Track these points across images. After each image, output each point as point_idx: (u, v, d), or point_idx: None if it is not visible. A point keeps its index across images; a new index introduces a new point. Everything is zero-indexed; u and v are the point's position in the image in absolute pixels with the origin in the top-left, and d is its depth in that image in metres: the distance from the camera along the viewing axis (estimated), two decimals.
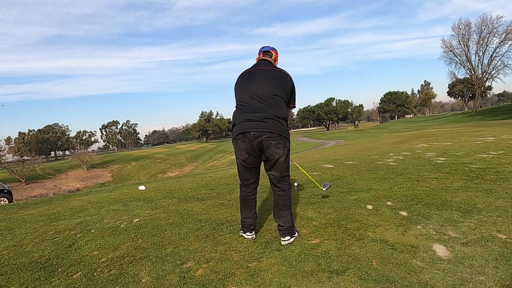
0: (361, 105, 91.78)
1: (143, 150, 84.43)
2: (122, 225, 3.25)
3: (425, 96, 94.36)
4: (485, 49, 42.09)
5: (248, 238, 2.53)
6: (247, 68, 2.50)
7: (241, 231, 2.60)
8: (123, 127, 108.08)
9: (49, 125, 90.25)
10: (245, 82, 2.40)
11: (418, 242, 2.19)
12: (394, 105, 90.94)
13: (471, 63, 44.46)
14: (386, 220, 2.64)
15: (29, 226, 3.70)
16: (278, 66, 2.59)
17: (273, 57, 2.56)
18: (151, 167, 50.88)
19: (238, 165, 2.49)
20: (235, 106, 2.43)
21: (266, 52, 2.56)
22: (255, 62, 2.58)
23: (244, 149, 2.32)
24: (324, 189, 3.33)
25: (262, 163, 2.45)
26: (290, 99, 2.44)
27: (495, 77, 43.19)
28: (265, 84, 2.32)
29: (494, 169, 4.14)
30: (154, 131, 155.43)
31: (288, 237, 2.39)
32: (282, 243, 2.38)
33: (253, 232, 2.53)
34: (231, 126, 2.44)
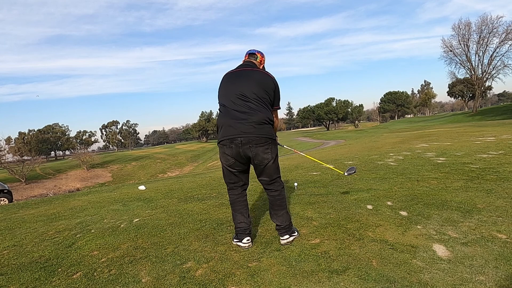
0: (361, 105, 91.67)
1: (143, 150, 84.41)
2: (122, 225, 3.25)
3: (425, 96, 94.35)
4: (485, 49, 42.11)
5: (244, 246, 2.35)
6: (231, 69, 2.47)
7: (235, 240, 2.42)
8: (123, 127, 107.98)
9: (49, 125, 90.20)
10: (229, 83, 2.36)
11: (418, 242, 2.19)
12: (394, 105, 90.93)
13: (471, 63, 44.46)
14: (386, 220, 2.64)
15: (29, 226, 3.70)
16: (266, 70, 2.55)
17: (258, 60, 2.53)
18: (151, 167, 50.86)
19: (223, 170, 2.42)
20: (219, 109, 2.38)
21: (252, 54, 2.53)
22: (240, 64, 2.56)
23: (230, 155, 2.28)
24: (346, 173, 3.22)
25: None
26: (274, 101, 2.39)
27: (495, 77, 43.21)
28: (249, 86, 2.28)
29: (494, 169, 4.15)
30: (154, 131, 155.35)
31: (287, 236, 2.37)
32: (281, 243, 2.37)
33: (250, 238, 2.38)
34: (216, 129, 2.39)
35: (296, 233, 2.46)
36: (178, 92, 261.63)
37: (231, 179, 2.41)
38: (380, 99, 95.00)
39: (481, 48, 42.40)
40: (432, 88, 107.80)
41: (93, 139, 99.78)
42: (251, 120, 2.21)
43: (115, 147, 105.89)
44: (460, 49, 43.75)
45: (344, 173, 3.27)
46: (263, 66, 2.59)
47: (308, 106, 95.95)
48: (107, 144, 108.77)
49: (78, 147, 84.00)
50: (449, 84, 64.67)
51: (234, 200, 2.44)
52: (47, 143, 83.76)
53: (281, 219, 2.37)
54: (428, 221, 2.55)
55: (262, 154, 2.25)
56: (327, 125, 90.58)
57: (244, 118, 2.22)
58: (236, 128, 2.22)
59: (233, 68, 2.48)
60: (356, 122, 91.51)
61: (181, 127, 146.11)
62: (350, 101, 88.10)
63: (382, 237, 2.32)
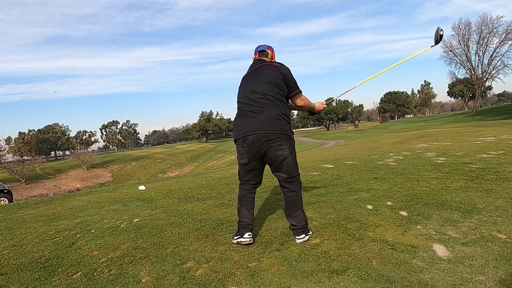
0: (361, 105, 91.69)
1: (143, 150, 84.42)
2: (122, 225, 3.25)
3: (425, 96, 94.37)
4: (485, 49, 42.10)
5: (245, 240, 2.32)
6: (249, 68, 2.50)
7: (235, 236, 2.39)
8: (123, 127, 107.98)
9: (49, 125, 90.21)
10: (243, 84, 2.41)
11: (418, 242, 2.19)
12: (394, 105, 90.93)
13: (471, 63, 44.45)
14: (386, 220, 2.64)
15: (29, 226, 3.70)
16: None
17: (269, 56, 2.50)
18: (151, 167, 50.87)
19: (239, 166, 2.47)
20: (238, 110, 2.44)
21: (262, 51, 2.51)
22: (251, 62, 2.55)
23: (245, 154, 2.30)
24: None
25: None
26: (289, 88, 2.33)
27: (495, 77, 43.22)
28: (259, 84, 2.30)
29: (494, 169, 4.15)
30: (154, 131, 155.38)
31: (303, 235, 2.35)
32: (297, 242, 2.35)
33: (251, 234, 2.36)
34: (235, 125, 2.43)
35: (311, 232, 2.44)
36: (178, 92, 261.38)
37: (245, 177, 2.44)
38: (380, 99, 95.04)
39: (481, 48, 42.42)
40: (432, 88, 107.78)
41: (93, 139, 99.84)
42: (262, 117, 2.21)
43: (115, 147, 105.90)
44: (460, 49, 43.77)
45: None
46: (274, 61, 2.54)
47: None
48: (107, 144, 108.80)
49: (78, 147, 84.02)
50: (449, 84, 64.77)
51: (243, 195, 2.43)
52: (47, 143, 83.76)
53: (297, 219, 2.35)
54: (428, 221, 2.55)
55: (276, 151, 2.24)
56: (327, 125, 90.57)
57: (254, 116, 2.24)
58: (247, 126, 2.24)
59: (248, 70, 2.50)
60: (356, 122, 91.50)
61: (181, 127, 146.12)
62: (350, 101, 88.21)
63: (382, 237, 2.32)
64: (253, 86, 2.32)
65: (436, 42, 2.75)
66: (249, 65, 2.53)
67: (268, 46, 2.53)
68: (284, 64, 2.39)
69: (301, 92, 2.43)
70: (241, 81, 2.45)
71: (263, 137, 2.20)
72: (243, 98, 2.34)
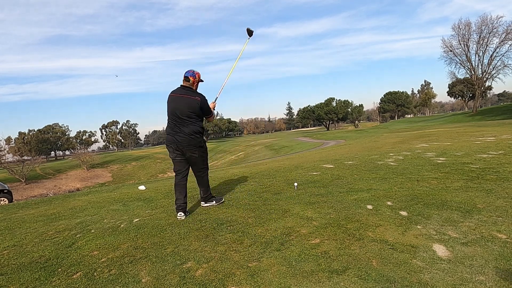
0: (361, 105, 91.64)
1: (143, 150, 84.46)
2: (122, 225, 3.25)
3: (425, 96, 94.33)
4: (485, 49, 42.06)
5: (179, 218, 3.25)
6: (174, 91, 3.36)
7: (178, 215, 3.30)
8: (123, 127, 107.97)
9: (49, 125, 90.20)
10: (172, 103, 3.31)
11: (418, 242, 2.19)
12: (394, 105, 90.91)
13: (471, 63, 44.41)
14: (386, 220, 2.64)
15: (29, 226, 3.70)
16: (200, 85, 3.48)
17: (190, 82, 3.35)
18: (151, 167, 50.87)
19: (173, 162, 3.45)
20: (167, 121, 3.41)
21: (186, 78, 3.35)
22: (181, 84, 3.40)
23: (173, 152, 3.36)
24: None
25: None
26: (204, 113, 3.40)
27: (495, 77, 43.16)
28: (184, 109, 3.25)
29: (494, 169, 4.15)
30: (154, 131, 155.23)
31: (203, 202, 3.67)
32: (202, 205, 3.65)
33: (182, 213, 3.27)
34: (166, 134, 3.46)
35: (214, 202, 3.69)
36: None
37: (176, 168, 3.43)
38: (380, 99, 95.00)
39: (481, 48, 42.37)
40: (432, 88, 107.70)
41: (93, 139, 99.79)
42: (185, 133, 3.28)
43: (115, 147, 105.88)
44: (460, 49, 43.71)
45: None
46: (197, 84, 3.42)
47: (308, 106, 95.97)
48: (107, 144, 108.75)
49: (78, 147, 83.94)
50: (449, 84, 64.70)
51: (176, 183, 3.41)
52: (47, 143, 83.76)
53: (205, 190, 3.64)
54: (428, 221, 2.55)
55: (190, 153, 3.36)
56: (327, 125, 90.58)
57: (182, 131, 3.28)
58: (175, 137, 3.31)
59: (176, 91, 3.36)
60: (356, 122, 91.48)
61: None
62: (350, 101, 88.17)
63: (382, 237, 2.32)
64: (181, 110, 3.24)
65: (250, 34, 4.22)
66: (178, 88, 3.36)
67: (192, 74, 3.35)
68: (203, 96, 3.36)
69: (212, 115, 3.56)
70: (170, 100, 3.33)
71: (184, 146, 3.30)
72: (174, 116, 3.29)
